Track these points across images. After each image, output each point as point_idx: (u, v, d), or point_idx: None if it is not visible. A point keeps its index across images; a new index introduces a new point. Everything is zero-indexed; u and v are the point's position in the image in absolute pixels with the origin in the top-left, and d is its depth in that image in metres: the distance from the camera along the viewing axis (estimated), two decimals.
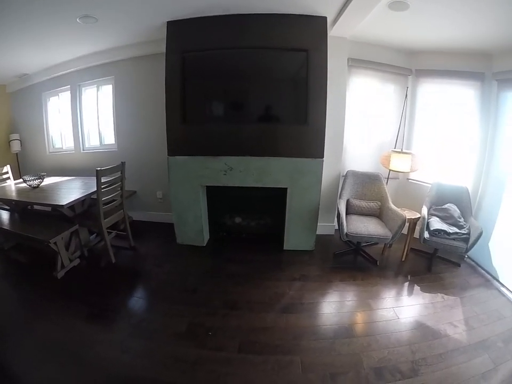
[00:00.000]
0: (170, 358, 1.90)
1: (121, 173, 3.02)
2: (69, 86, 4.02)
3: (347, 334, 2.10)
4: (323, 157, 2.93)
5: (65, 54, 3.62)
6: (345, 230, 2.83)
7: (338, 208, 3.05)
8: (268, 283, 2.69)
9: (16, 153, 4.66)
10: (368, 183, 3.32)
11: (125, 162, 3.04)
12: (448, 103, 3.28)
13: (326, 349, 1.96)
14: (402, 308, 2.39)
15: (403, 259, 3.13)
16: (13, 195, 3.18)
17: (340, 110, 3.19)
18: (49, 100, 4.37)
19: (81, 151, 4.20)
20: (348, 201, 3.26)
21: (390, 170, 3.26)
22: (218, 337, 2.07)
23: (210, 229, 3.58)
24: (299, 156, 2.92)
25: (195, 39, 2.78)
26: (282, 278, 2.78)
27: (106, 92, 3.90)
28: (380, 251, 3.29)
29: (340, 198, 3.27)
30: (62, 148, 4.47)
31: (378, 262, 3.03)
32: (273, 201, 3.34)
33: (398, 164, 3.13)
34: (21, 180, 3.49)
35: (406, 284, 2.76)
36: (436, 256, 3.04)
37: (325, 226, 3.61)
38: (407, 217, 2.87)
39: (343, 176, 3.42)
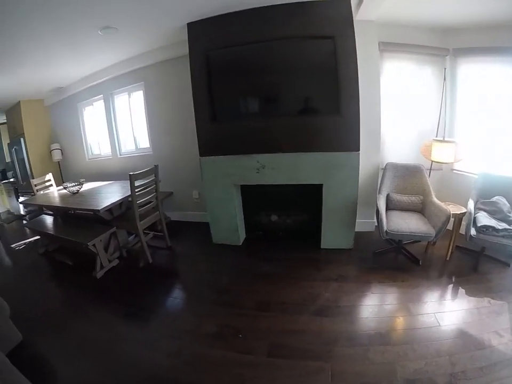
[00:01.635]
0: (199, 358, 1.93)
1: (155, 176, 3.14)
2: (102, 95, 4.26)
3: (383, 341, 1.98)
4: (359, 150, 2.79)
5: (95, 64, 3.84)
6: (385, 228, 2.70)
7: (377, 203, 2.92)
8: (303, 283, 2.65)
9: (58, 162, 5.04)
10: (409, 176, 3.13)
11: (158, 165, 3.15)
12: (493, 83, 2.97)
13: (359, 357, 1.87)
14: (445, 314, 2.20)
15: (447, 258, 2.91)
16: (55, 201, 3.43)
17: (375, 98, 3.03)
18: (84, 110, 4.68)
19: (118, 156, 4.45)
20: (387, 196, 3.11)
21: (432, 161, 3.06)
22: (247, 340, 2.07)
23: (246, 227, 3.61)
24: (333, 149, 2.81)
25: (217, 37, 2.80)
26: (318, 278, 2.72)
27: (138, 98, 4.08)
28: (423, 249, 3.10)
29: (379, 193, 3.12)
30: (100, 154, 4.76)
31: (420, 261, 2.85)
32: (310, 197, 3.27)
33: (440, 153, 2.91)
34: (62, 187, 3.76)
35: (450, 286, 2.56)
36: (483, 254, 2.80)
37: (364, 223, 3.47)
38: (452, 212, 2.67)
39: (382, 169, 3.26)
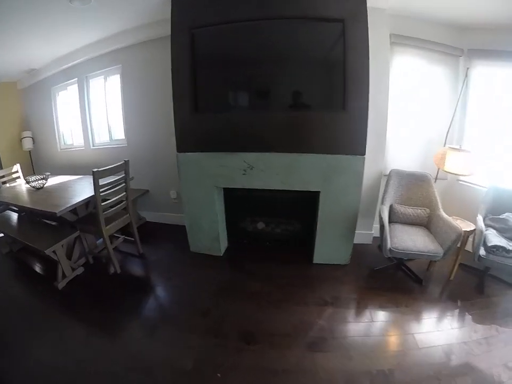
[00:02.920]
0: None
1: (125, 173, 2.60)
2: (76, 78, 3.66)
3: (387, 382, 1.61)
4: (365, 153, 2.30)
5: (68, 43, 3.24)
6: (388, 245, 2.27)
7: (380, 215, 2.47)
8: (294, 308, 2.18)
9: (30, 151, 4.40)
10: (415, 185, 2.69)
11: (128, 160, 2.61)
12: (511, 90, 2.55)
13: None
14: (453, 345, 1.86)
15: (451, 277, 2.53)
16: (15, 197, 2.86)
17: (383, 95, 2.57)
18: (58, 95, 4.05)
19: (91, 148, 3.84)
20: (390, 207, 2.66)
21: (444, 171, 2.59)
22: (228, 380, 1.64)
23: (229, 234, 3.07)
24: (335, 151, 2.31)
25: (205, 13, 2.25)
26: (311, 301, 2.25)
27: (114, 83, 3.48)
28: (425, 266, 2.68)
29: (382, 203, 2.67)
30: (72, 145, 4.15)
31: (423, 281, 2.46)
32: (302, 203, 2.78)
33: (455, 164, 2.46)
34: (25, 181, 3.17)
35: (456, 311, 2.20)
36: (487, 274, 2.47)
37: (361, 234, 3.02)
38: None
39: (384, 175, 2.82)
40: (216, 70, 2.40)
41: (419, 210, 2.62)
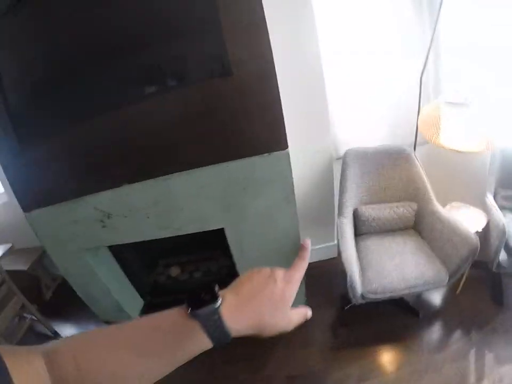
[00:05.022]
0: None
1: None
2: None
3: None
4: (287, 146, 1.17)
5: None
6: (359, 290, 1.33)
7: (339, 232, 1.49)
8: None
9: None
10: (388, 168, 1.64)
11: None
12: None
13: None
14: None
15: (457, 291, 1.65)
16: None
17: (310, 39, 1.36)
18: None
19: None
20: (355, 212, 1.62)
21: (441, 146, 1.41)
22: None
23: (140, 289, 1.99)
24: (233, 155, 1.18)
25: None
26: None
27: None
28: None
29: (339, 213, 1.62)
30: None
31: (420, 312, 1.58)
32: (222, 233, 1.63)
33: (459, 133, 1.32)
34: None
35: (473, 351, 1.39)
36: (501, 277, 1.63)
37: (320, 250, 1.98)
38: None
39: (337, 159, 1.72)
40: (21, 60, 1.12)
41: (401, 208, 1.61)
